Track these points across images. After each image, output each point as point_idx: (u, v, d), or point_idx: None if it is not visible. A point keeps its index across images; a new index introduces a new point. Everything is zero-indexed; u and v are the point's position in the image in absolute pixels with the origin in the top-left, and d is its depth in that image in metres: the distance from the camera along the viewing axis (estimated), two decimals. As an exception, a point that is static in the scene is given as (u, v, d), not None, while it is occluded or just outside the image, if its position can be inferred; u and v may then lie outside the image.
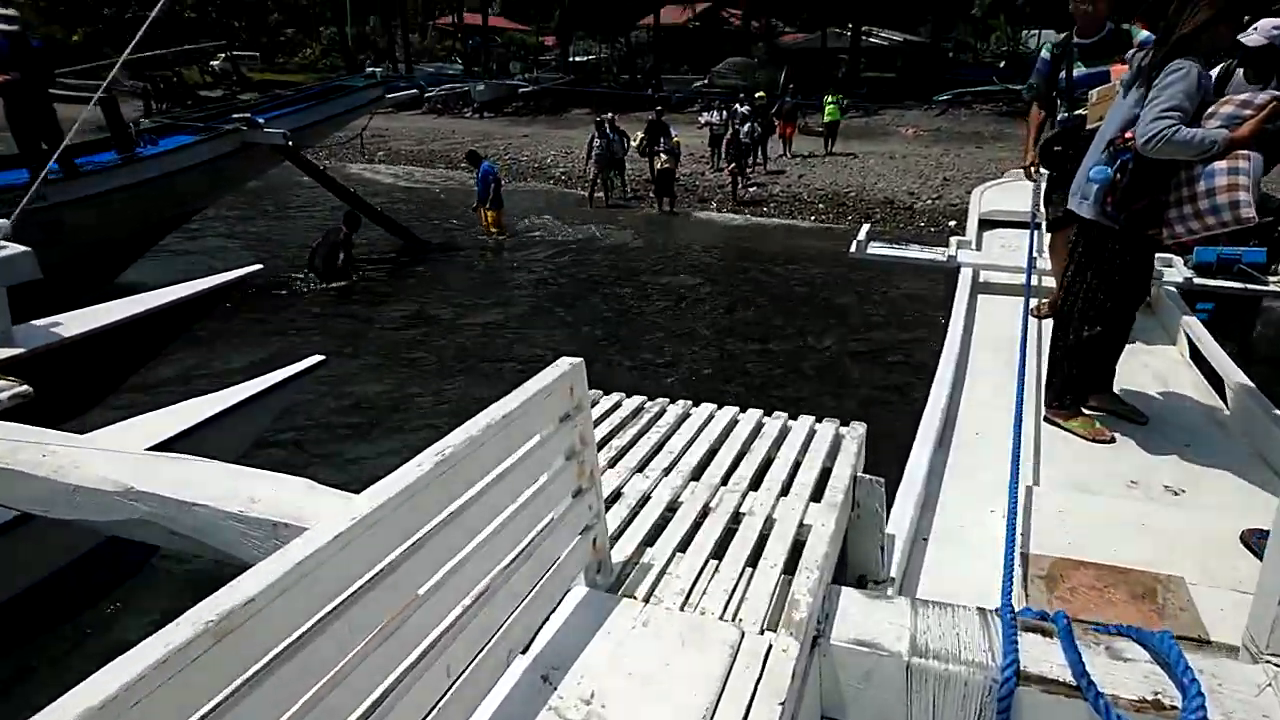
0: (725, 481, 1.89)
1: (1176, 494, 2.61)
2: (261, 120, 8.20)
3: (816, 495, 1.83)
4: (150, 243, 8.69)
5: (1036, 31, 45.12)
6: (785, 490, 1.85)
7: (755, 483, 1.89)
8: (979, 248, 4.70)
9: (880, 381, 6.42)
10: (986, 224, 5.14)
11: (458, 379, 6.41)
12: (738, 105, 15.80)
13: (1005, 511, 2.15)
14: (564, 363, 1.33)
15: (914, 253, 4.48)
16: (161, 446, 2.66)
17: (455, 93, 30.24)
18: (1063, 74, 3.48)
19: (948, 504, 2.44)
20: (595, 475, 1.42)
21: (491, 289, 9.25)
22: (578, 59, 43.16)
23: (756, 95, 17.62)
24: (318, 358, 3.84)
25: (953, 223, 12.46)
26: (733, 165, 14.37)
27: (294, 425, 5.31)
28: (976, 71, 30.58)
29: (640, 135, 15.00)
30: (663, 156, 14.00)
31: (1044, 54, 3.63)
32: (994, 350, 3.55)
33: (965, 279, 4.16)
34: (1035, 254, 4.09)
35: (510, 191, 16.19)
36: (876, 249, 4.45)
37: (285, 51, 50.03)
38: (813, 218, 13.74)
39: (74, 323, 4.44)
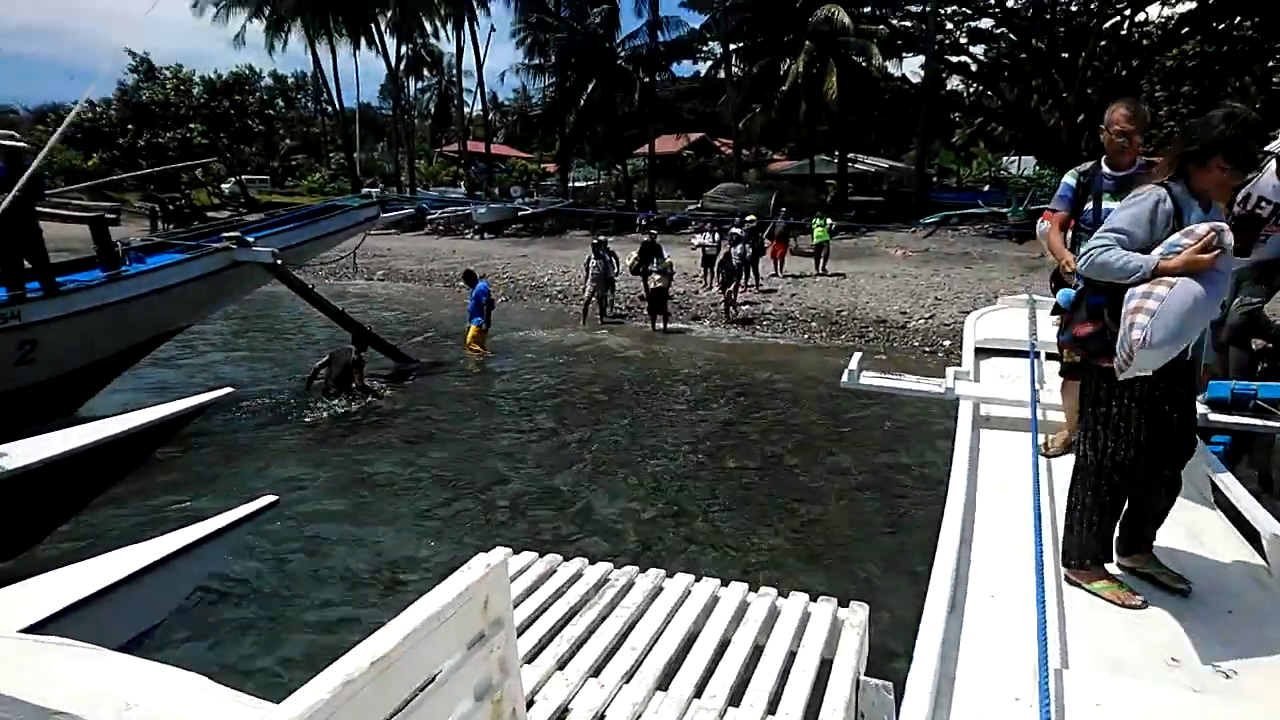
0: (700, 692, 1.54)
1: (1228, 677, 2.24)
2: (251, 239, 8.22)
3: (812, 711, 1.49)
4: (133, 359, 8.55)
5: (1016, 157, 47.49)
6: (773, 706, 1.51)
7: (737, 693, 1.54)
8: (977, 378, 4.47)
9: (880, 518, 6.05)
10: (983, 352, 4.95)
11: (430, 521, 5.97)
12: (733, 227, 16.16)
13: (1033, 701, 1.80)
14: (476, 566, 1.04)
15: (909, 384, 4.25)
16: (48, 623, 2.28)
17: (457, 214, 31.23)
18: (1089, 205, 3.28)
19: (965, 692, 2.08)
20: (519, 714, 1.09)
21: (475, 412, 8.96)
22: (578, 184, 45.01)
23: (747, 218, 18.08)
24: (269, 498, 3.50)
25: (947, 342, 12.41)
26: (726, 284, 14.51)
27: (226, 582, 4.86)
28: (961, 195, 31.74)
29: (634, 255, 15.28)
30: (655, 276, 14.18)
31: (1068, 180, 3.42)
32: (1003, 494, 3.25)
33: (965, 412, 3.91)
34: (1037, 385, 3.86)
35: (506, 309, 16.31)
36: (869, 379, 4.22)
37: (295, 175, 52.27)
38: (806, 336, 13.71)
39: (19, 453, 4.14)
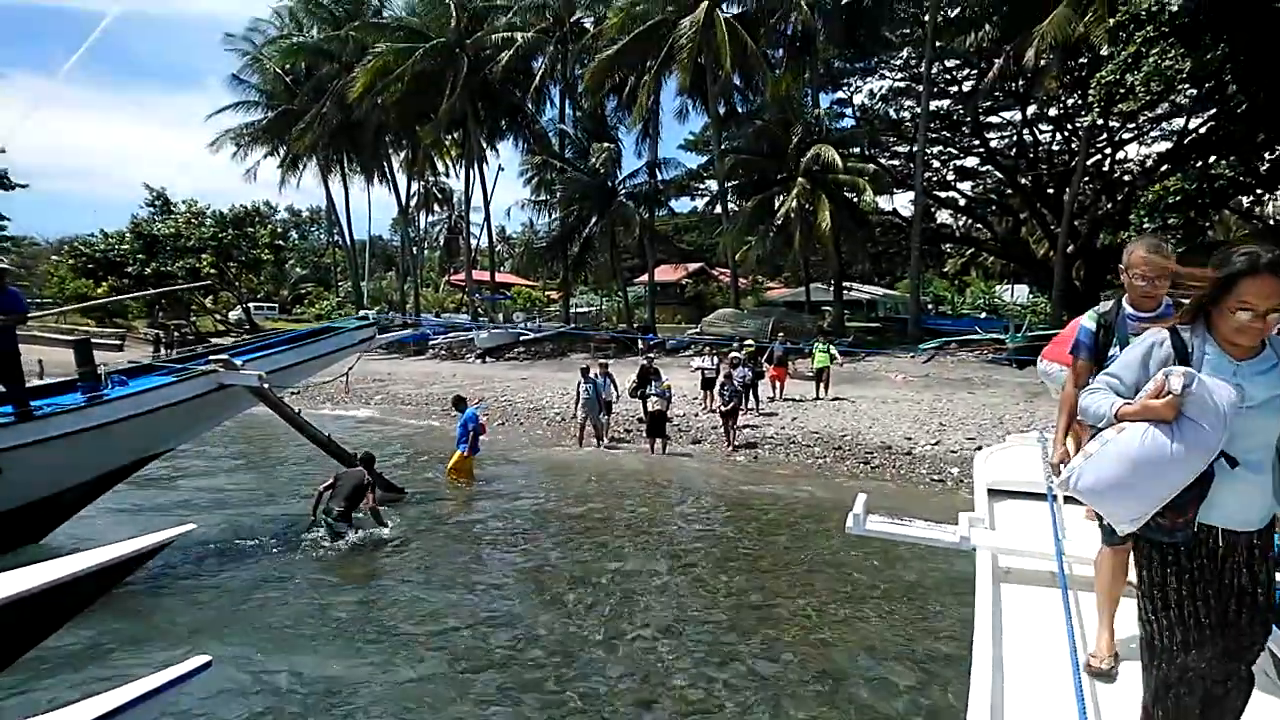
0: None
1: None
2: (239, 361, 8.05)
3: None
4: (113, 483, 8.13)
5: (1009, 285, 48.69)
6: None
7: None
8: (992, 524, 4.09)
9: (904, 679, 5.45)
10: (996, 493, 4.58)
11: (398, 674, 5.36)
12: (733, 351, 16.17)
13: None
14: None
15: (920, 531, 3.85)
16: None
17: (460, 339, 31.57)
18: (1115, 349, 2.97)
19: None
20: None
21: (460, 548, 8.30)
22: (580, 309, 45.94)
23: (745, 343, 18.16)
24: (201, 659, 3.08)
25: (955, 470, 12.04)
26: (727, 407, 14.23)
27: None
28: (957, 322, 32.17)
29: (633, 379, 15.19)
30: (654, 398, 13.99)
31: (1086, 323, 3.16)
32: (1035, 663, 2.81)
33: (984, 565, 3.52)
34: (1060, 533, 3.47)
35: (503, 433, 16.02)
36: (876, 525, 3.82)
37: (304, 303, 53.52)
38: (809, 460, 13.33)
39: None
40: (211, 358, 8.05)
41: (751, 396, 16.42)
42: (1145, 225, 18.83)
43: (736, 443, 14.21)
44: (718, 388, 15.23)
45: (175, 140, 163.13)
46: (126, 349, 34.99)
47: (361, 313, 10.89)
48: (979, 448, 13.56)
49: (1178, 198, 17.66)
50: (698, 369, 17.91)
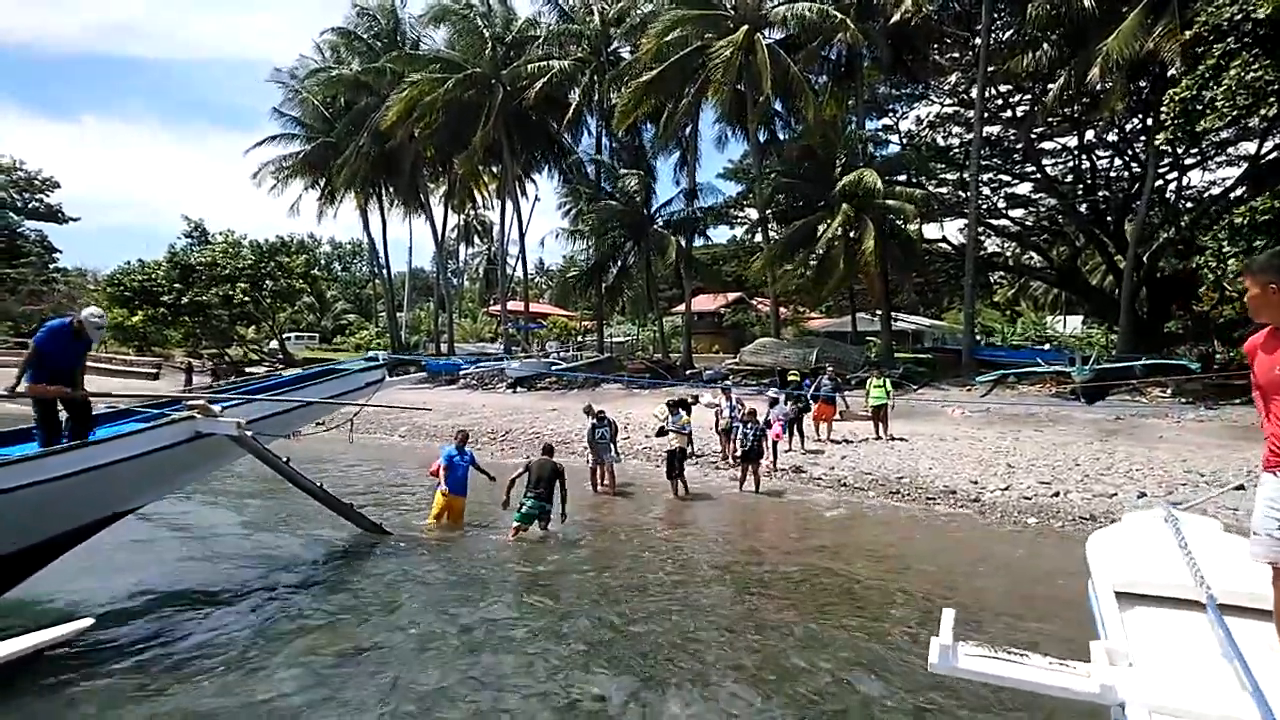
0: None
1: None
2: (219, 408, 7.12)
3: None
4: (67, 546, 7.08)
5: (1062, 316, 46.50)
6: None
7: None
8: (1131, 656, 2.81)
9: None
10: (1124, 597, 3.30)
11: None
12: (771, 389, 14.86)
13: None
14: None
15: (1033, 672, 2.60)
16: None
17: (491, 370, 30.97)
18: None
19: None
20: None
21: (443, 613, 7.17)
22: (616, 339, 45.16)
23: (789, 375, 16.90)
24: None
25: (1032, 519, 10.63)
26: (747, 459, 12.71)
27: None
28: (1013, 353, 30.42)
29: (665, 411, 14.09)
30: (672, 435, 12.81)
31: None
32: None
33: None
34: (1250, 672, 2.27)
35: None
36: (974, 662, 2.61)
37: (344, 333, 53.83)
38: (864, 505, 11.92)
39: None
40: (189, 403, 7.12)
41: (798, 432, 15.17)
42: (1226, 250, 17.26)
43: (763, 489, 12.68)
44: (726, 425, 13.99)
45: (230, 175, 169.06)
46: (162, 378, 35.23)
47: (370, 353, 9.93)
48: (1056, 494, 12.10)
49: (1266, 217, 16.10)
50: (710, 405, 16.42)
